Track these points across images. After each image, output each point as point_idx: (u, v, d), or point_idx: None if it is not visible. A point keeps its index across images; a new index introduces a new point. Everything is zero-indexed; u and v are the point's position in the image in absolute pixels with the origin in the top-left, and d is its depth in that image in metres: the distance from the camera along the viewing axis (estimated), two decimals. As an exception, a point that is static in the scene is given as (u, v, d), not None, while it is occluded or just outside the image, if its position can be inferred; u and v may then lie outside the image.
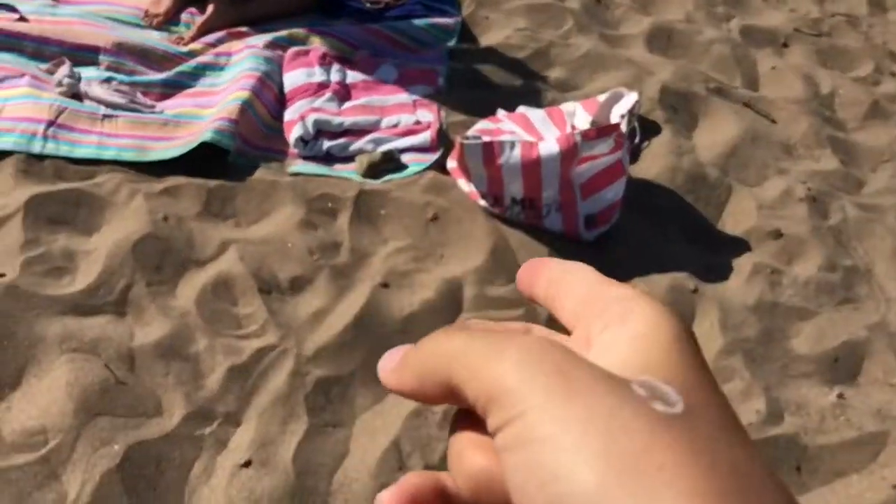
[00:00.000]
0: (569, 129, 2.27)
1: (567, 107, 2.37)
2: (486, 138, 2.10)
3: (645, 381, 0.25)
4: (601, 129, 2.04)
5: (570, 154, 2.03)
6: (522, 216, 2.15)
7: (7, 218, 1.93)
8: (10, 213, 1.94)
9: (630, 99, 2.29)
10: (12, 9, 2.60)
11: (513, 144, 2.04)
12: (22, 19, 2.56)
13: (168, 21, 2.69)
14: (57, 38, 2.44)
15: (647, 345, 0.26)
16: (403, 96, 2.53)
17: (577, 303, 0.30)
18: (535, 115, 2.35)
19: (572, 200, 2.11)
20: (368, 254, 2.08)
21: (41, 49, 2.42)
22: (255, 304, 1.87)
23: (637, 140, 2.52)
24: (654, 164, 2.50)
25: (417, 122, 2.43)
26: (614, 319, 0.28)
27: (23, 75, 2.31)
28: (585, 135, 2.02)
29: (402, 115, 2.45)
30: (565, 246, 2.16)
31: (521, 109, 2.41)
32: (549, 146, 2.03)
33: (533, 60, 2.86)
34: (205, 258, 1.96)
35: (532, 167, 2.04)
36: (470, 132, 2.25)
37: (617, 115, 2.25)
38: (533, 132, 2.26)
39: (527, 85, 2.73)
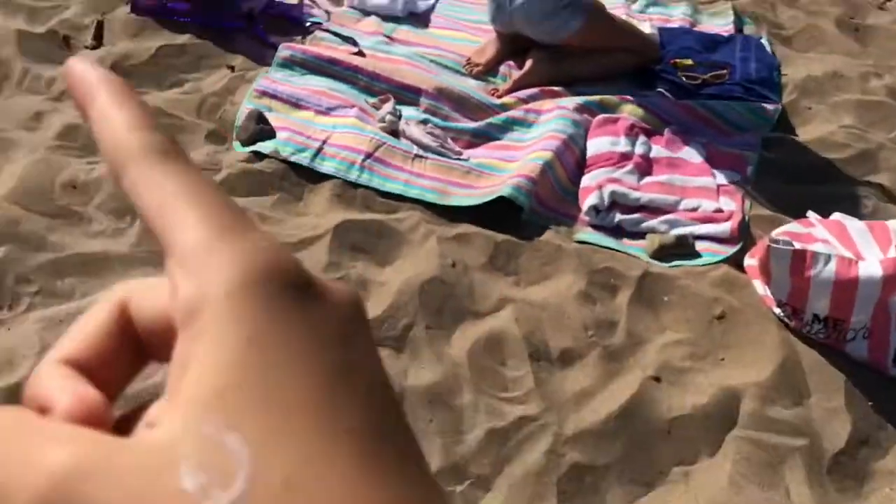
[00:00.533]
0: (892, 249, 2.03)
1: (893, 224, 2.12)
2: (797, 245, 1.94)
3: (199, 447, 0.19)
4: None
5: (893, 280, 1.81)
6: (822, 335, 1.95)
7: (317, 238, 2.09)
8: (321, 234, 2.10)
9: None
10: (353, 42, 2.85)
11: (828, 258, 1.87)
12: (360, 53, 2.79)
13: (487, 71, 2.79)
14: (386, 76, 2.62)
15: (212, 356, 0.20)
16: (707, 180, 2.41)
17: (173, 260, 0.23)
18: (853, 225, 2.13)
19: (885, 330, 1.88)
20: (644, 340, 2.00)
21: (372, 84, 2.61)
22: (523, 369, 1.86)
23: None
24: None
25: (719, 210, 2.31)
26: (180, 314, 0.21)
27: (352, 106, 2.51)
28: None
29: (703, 199, 2.34)
30: (867, 378, 1.93)
31: (837, 216, 2.20)
32: (871, 268, 1.82)
33: (856, 162, 2.61)
34: (483, 311, 1.99)
35: (846, 287, 1.84)
36: (777, 233, 2.09)
37: (956, 244, 1.98)
38: (850, 246, 2.05)
39: (845, 188, 2.50)
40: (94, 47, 2.63)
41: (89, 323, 0.25)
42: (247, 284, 0.21)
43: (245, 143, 2.33)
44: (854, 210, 2.38)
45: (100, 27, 2.72)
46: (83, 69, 0.26)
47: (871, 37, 3.43)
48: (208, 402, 0.20)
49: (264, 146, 2.31)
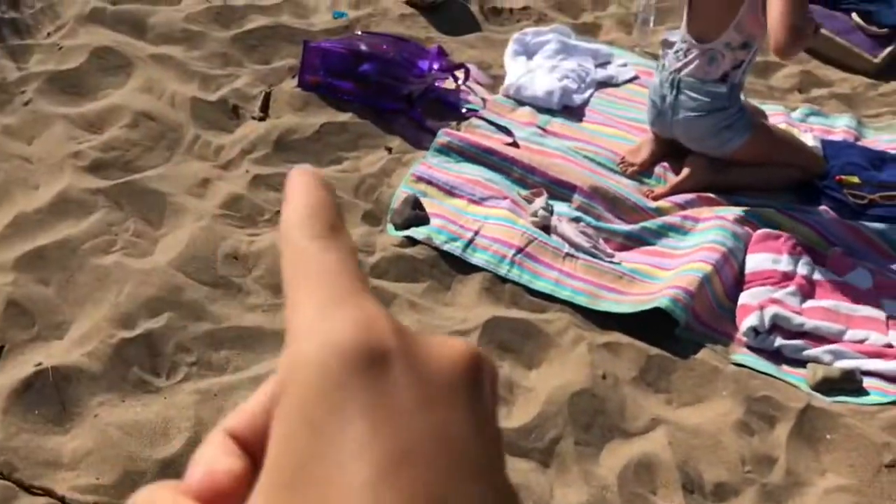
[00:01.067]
0: None
1: None
2: None
3: None
4: None
5: None
6: None
7: (465, 333, 2.06)
8: (470, 329, 2.06)
9: None
10: (508, 132, 2.86)
11: None
12: (514, 143, 2.80)
13: (642, 171, 2.74)
14: (542, 170, 2.60)
15: (273, 446, 0.22)
16: (875, 310, 2.26)
17: None
18: None
19: None
20: (804, 483, 1.86)
21: (526, 176, 2.60)
22: (675, 500, 1.75)
23: None
24: None
25: (889, 346, 2.16)
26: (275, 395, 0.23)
27: (505, 198, 2.49)
28: None
29: (871, 331, 2.20)
30: None
31: None
32: None
33: None
34: (633, 430, 1.90)
35: None
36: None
37: None
38: None
39: None
40: (261, 119, 2.73)
41: (255, 396, 0.27)
42: (319, 366, 0.22)
43: (399, 228, 2.35)
44: None
45: (266, 99, 2.83)
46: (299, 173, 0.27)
47: None
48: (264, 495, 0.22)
49: (418, 232, 2.32)
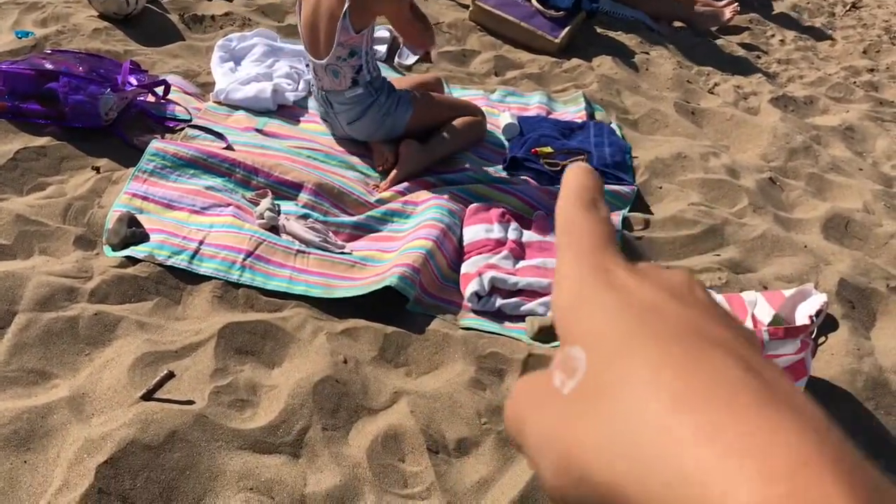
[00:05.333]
0: (749, 320, 2.22)
1: (748, 296, 2.32)
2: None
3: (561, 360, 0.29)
4: (789, 330, 1.98)
5: (755, 350, 1.97)
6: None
7: (200, 344, 2.03)
8: (204, 339, 2.04)
9: (818, 299, 2.23)
10: (222, 137, 2.83)
11: (697, 333, 2.00)
12: (229, 148, 2.78)
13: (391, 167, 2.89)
14: (266, 171, 2.62)
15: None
16: (577, 261, 2.55)
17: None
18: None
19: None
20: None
21: (250, 178, 2.60)
22: (422, 463, 1.87)
23: (814, 334, 2.42)
24: (832, 364, 2.39)
25: (590, 290, 2.43)
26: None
27: (228, 205, 2.48)
28: (773, 333, 1.96)
29: (574, 280, 2.46)
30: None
31: (698, 290, 2.37)
32: (735, 340, 1.97)
33: (706, 237, 2.84)
34: (378, 406, 1.99)
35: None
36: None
37: (803, 314, 2.18)
38: (712, 318, 2.22)
39: (700, 262, 2.70)
40: (-58, 152, 2.48)
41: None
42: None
43: (117, 248, 2.25)
44: (709, 281, 2.58)
45: (-53, 130, 2.57)
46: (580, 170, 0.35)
47: (705, 119, 3.78)
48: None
49: (138, 250, 2.24)
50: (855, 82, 4.73)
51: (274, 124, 3.00)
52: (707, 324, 0.27)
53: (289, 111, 3.11)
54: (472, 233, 2.56)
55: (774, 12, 5.77)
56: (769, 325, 2.12)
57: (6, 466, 1.66)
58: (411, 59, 3.67)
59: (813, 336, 2.23)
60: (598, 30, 4.53)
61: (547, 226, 2.68)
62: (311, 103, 3.19)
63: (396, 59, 3.68)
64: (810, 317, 2.10)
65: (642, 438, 0.23)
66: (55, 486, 1.63)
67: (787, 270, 2.71)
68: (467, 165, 2.97)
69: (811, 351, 2.13)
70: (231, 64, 3.23)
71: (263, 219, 2.44)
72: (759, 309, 2.28)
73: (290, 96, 3.15)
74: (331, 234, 2.49)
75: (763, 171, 3.39)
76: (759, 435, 0.22)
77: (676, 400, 0.23)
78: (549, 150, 3.04)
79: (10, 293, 2.04)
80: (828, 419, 0.24)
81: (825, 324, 2.53)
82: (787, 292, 2.27)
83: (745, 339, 0.27)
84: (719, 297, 2.31)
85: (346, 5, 2.63)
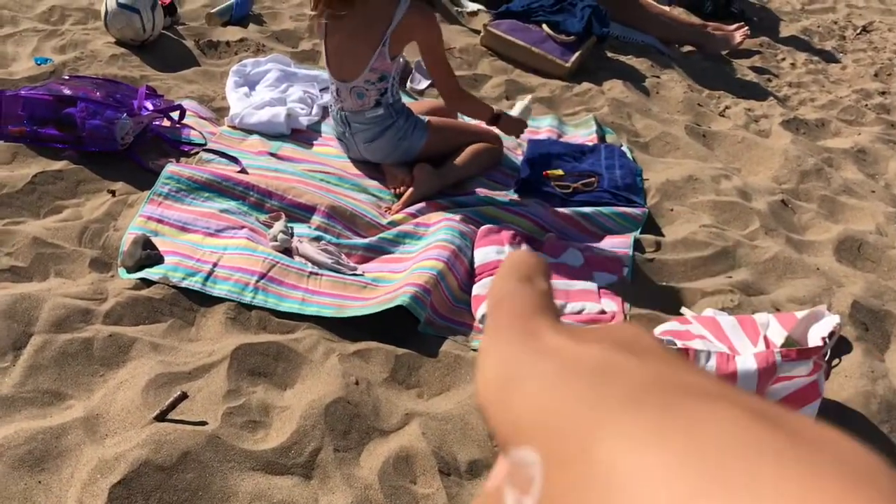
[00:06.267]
0: (761, 342, 2.21)
1: (760, 318, 2.31)
2: (679, 343, 2.07)
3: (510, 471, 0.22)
4: (802, 352, 1.97)
5: (768, 373, 1.96)
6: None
7: (213, 365, 2.05)
8: (217, 361, 2.05)
9: (831, 321, 2.22)
10: (236, 161, 2.87)
11: (709, 355, 2.00)
12: (243, 172, 2.81)
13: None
14: (279, 194, 2.65)
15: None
16: (588, 283, 2.55)
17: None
18: (725, 321, 2.31)
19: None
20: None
21: (263, 201, 2.63)
22: (434, 485, 1.86)
23: (827, 356, 2.41)
24: (846, 386, 2.38)
25: (602, 312, 2.44)
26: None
27: (242, 227, 2.50)
28: (786, 355, 1.96)
29: (587, 302, 2.47)
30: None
31: (710, 313, 2.37)
32: (747, 362, 1.97)
33: (718, 259, 2.84)
34: (389, 428, 1.99)
35: (727, 381, 1.98)
36: (659, 332, 2.23)
37: (815, 335, 2.17)
38: (724, 340, 2.21)
39: (712, 284, 2.70)
40: (-39, 176, 2.52)
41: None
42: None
43: (131, 270, 2.28)
44: (721, 303, 2.58)
45: (-33, 154, 2.62)
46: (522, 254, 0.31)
47: (716, 142, 3.79)
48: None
49: (152, 272, 2.26)
50: (866, 105, 4.73)
51: (287, 148, 3.03)
52: (676, 372, 0.22)
53: (302, 135, 3.14)
54: (484, 254, 2.57)
55: (784, 35, 5.80)
56: (781, 346, 2.12)
57: (21, 486, 1.67)
58: (423, 84, 3.71)
59: (826, 358, 2.22)
60: (609, 54, 4.56)
61: (558, 247, 2.69)
62: (325, 127, 3.22)
63: (409, 83, 3.72)
64: (823, 338, 2.09)
65: None
66: (69, 506, 1.64)
67: (799, 293, 2.70)
68: (478, 189, 2.99)
69: (824, 373, 2.12)
70: (245, 89, 3.27)
71: (277, 241, 2.47)
72: (771, 331, 2.28)
73: (304, 121, 3.18)
74: (343, 256, 2.51)
75: (775, 193, 3.39)
76: None
77: (698, 483, 0.17)
78: (560, 172, 3.05)
79: (27, 315, 2.07)
80: (878, 460, 0.18)
81: (839, 346, 2.51)
82: (800, 314, 2.26)
83: (725, 384, 0.22)
84: (731, 319, 2.31)
85: (389, 34, 2.69)
